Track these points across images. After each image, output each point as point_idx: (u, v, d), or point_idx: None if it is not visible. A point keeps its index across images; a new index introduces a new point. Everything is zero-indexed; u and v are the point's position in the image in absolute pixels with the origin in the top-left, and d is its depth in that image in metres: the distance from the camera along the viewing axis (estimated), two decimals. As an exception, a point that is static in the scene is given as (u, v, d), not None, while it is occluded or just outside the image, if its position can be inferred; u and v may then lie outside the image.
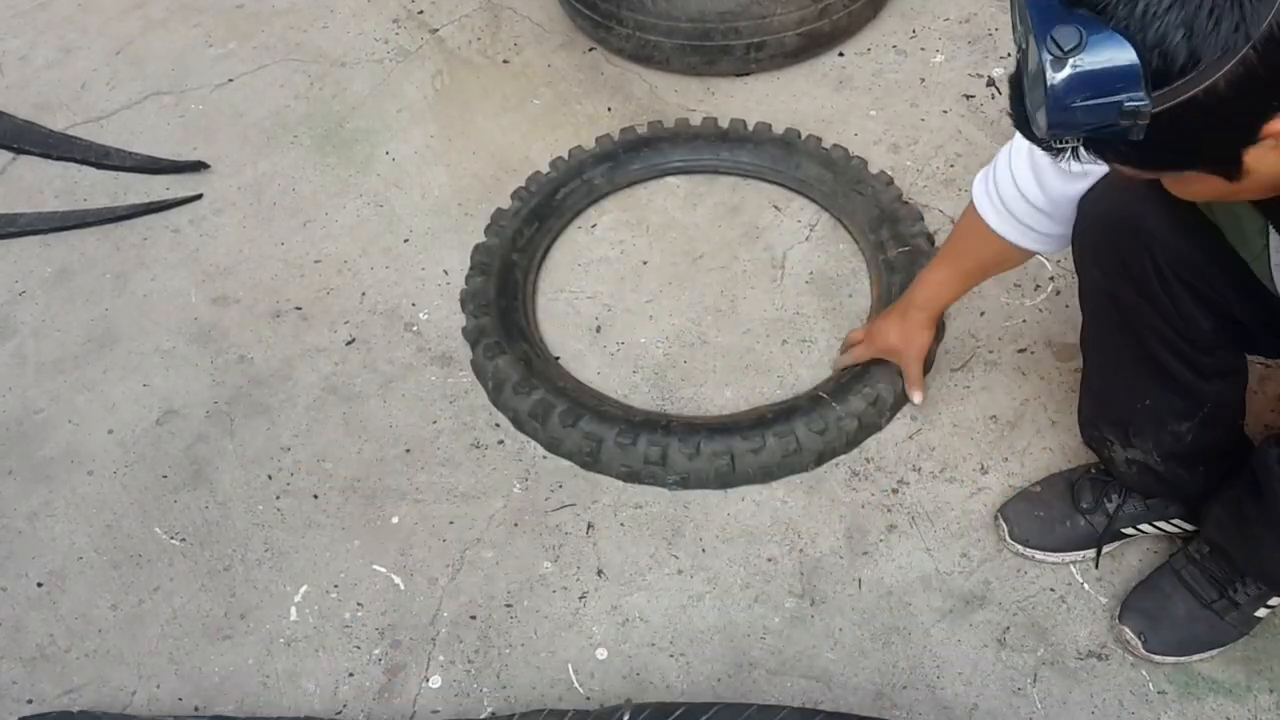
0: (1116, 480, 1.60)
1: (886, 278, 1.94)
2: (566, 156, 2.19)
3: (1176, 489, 1.55)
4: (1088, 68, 0.83)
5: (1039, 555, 1.65)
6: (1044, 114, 0.87)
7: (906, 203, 2.06)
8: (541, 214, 2.10)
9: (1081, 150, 0.92)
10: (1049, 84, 0.84)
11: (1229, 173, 0.93)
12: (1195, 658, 1.52)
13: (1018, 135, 1.04)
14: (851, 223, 2.07)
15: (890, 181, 2.10)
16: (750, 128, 2.21)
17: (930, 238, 2.01)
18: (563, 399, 1.77)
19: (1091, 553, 1.64)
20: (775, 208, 2.19)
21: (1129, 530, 1.62)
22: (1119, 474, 1.58)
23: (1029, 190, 1.42)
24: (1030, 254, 1.54)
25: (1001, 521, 1.68)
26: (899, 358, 1.77)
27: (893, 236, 1.98)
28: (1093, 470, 1.66)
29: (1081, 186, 1.36)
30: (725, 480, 1.73)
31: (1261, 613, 1.50)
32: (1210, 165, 0.93)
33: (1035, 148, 1.07)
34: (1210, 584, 1.51)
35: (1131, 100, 0.83)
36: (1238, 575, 1.49)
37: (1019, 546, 1.65)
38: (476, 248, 2.05)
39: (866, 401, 1.76)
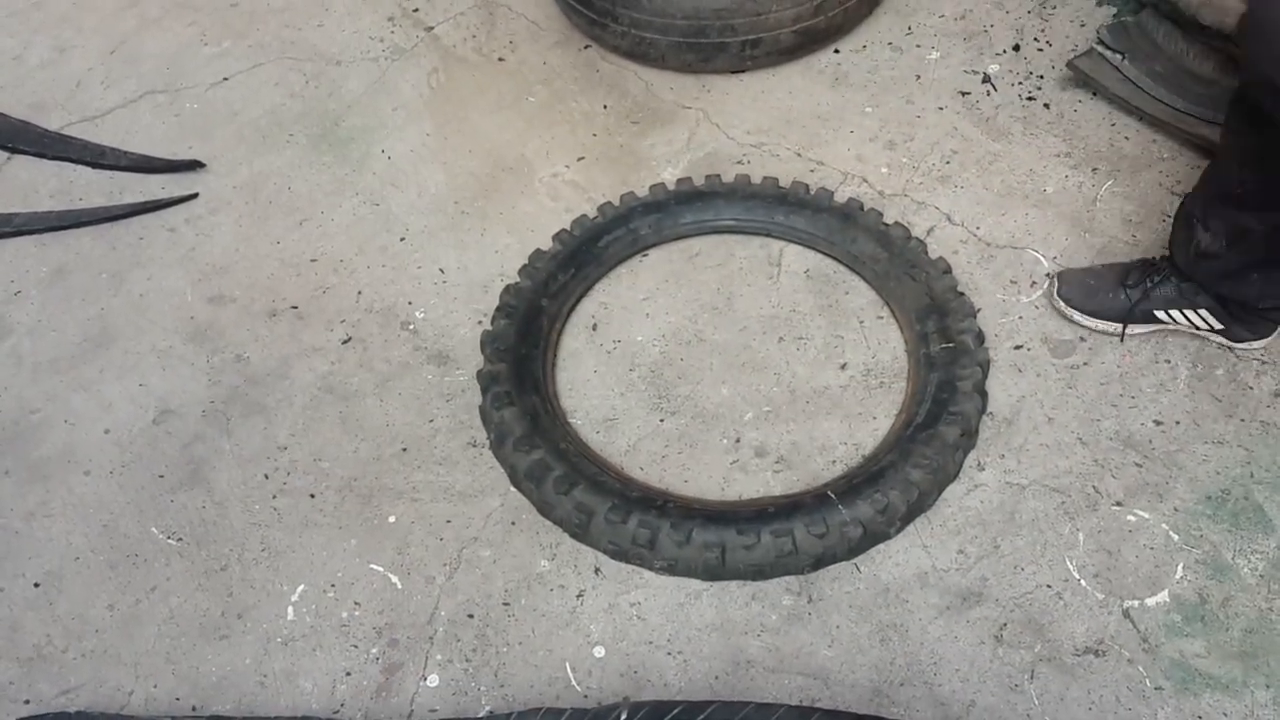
0: (1164, 266, 1.83)
1: (925, 373, 1.81)
2: (617, 202, 2.11)
3: (1223, 282, 1.78)
4: None
5: (1077, 316, 1.91)
6: None
7: (961, 294, 1.91)
8: (580, 260, 2.01)
9: None
10: None
11: None
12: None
13: None
14: (900, 308, 1.94)
15: (947, 270, 1.95)
16: (811, 191, 2.10)
17: (980, 335, 1.87)
18: (561, 463, 1.69)
19: (1119, 326, 1.89)
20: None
21: (1161, 315, 1.84)
22: (1183, 259, 1.80)
23: None
24: None
25: (1056, 282, 1.94)
26: None
27: (939, 330, 1.85)
28: (1154, 258, 1.85)
29: None
30: (714, 573, 1.63)
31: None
32: None
33: None
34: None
35: None
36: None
37: (1062, 304, 1.92)
38: (506, 289, 1.96)
39: (875, 508, 1.63)
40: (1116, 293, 1.90)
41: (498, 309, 1.94)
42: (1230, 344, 1.89)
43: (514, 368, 1.83)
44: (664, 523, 1.62)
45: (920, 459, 1.67)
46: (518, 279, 1.99)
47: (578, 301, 2.02)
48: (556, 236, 2.06)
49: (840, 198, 2.11)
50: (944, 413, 1.73)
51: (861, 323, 1.97)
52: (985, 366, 1.83)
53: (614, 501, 1.64)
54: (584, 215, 2.10)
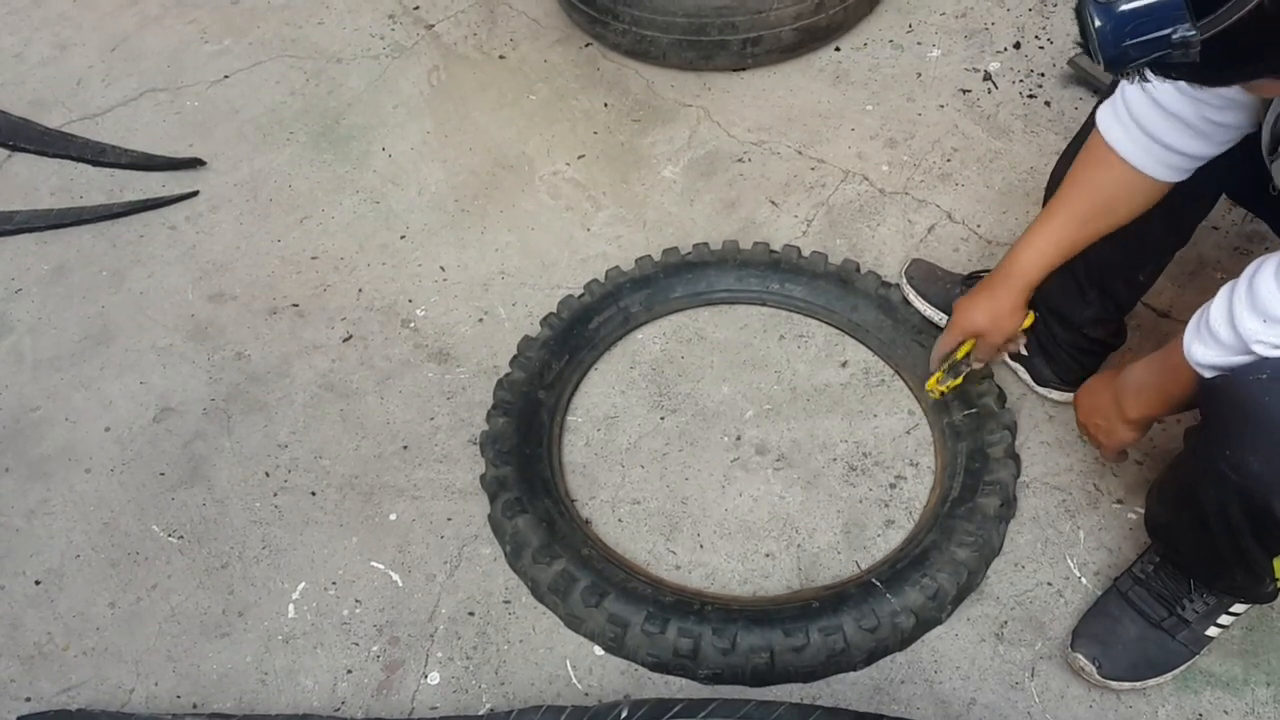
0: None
1: (952, 444, 1.74)
2: (602, 279, 2.00)
3: (1052, 289, 1.63)
4: (1131, 7, 0.88)
5: (911, 296, 1.92)
6: (1099, 53, 0.92)
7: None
8: (572, 345, 1.90)
9: (1149, 72, 0.94)
10: (1095, 27, 0.90)
11: None
12: (1150, 682, 1.49)
13: None
14: (912, 377, 1.86)
15: None
16: (805, 254, 2.01)
17: (1002, 396, 1.79)
18: (586, 572, 1.58)
19: (944, 318, 1.83)
20: (772, 203, 2.19)
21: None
22: None
23: (1164, 95, 1.31)
24: (1153, 195, 1.43)
25: (909, 261, 1.94)
26: (983, 342, 1.65)
27: (958, 396, 1.77)
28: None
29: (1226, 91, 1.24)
30: (763, 678, 1.53)
31: (1213, 631, 1.47)
32: (1278, 72, 0.94)
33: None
34: (1158, 602, 1.49)
35: (1179, 32, 0.87)
36: (1186, 590, 1.47)
37: (904, 280, 1.94)
38: (500, 383, 1.85)
39: (925, 595, 1.54)
40: (954, 288, 1.87)
41: (493, 406, 1.81)
42: (1030, 383, 1.83)
43: (520, 470, 1.71)
44: (705, 629, 1.51)
45: (964, 536, 1.59)
46: (509, 370, 1.86)
47: (575, 389, 1.90)
48: (545, 320, 1.94)
49: (835, 259, 2.02)
50: (980, 484, 1.65)
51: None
52: (1013, 429, 1.76)
53: (649, 610, 1.53)
54: (569, 295, 1.98)
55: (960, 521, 1.61)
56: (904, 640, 1.56)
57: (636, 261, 2.02)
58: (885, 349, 1.91)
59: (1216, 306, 1.19)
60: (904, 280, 1.94)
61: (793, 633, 1.50)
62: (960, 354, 1.69)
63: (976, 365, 1.72)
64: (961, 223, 2.12)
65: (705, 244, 2.04)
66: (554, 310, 1.96)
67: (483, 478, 1.75)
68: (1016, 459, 1.73)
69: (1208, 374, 1.22)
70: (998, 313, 1.60)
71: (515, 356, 1.88)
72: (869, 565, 1.66)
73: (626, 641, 1.55)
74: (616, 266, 2.02)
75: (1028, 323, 1.63)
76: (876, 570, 1.61)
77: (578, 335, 1.91)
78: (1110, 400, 1.45)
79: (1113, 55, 0.92)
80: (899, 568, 1.58)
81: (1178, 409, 1.36)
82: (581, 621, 1.59)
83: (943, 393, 1.74)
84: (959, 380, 1.73)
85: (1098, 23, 0.91)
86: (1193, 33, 0.87)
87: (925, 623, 1.56)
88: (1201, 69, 0.92)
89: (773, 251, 2.02)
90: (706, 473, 1.79)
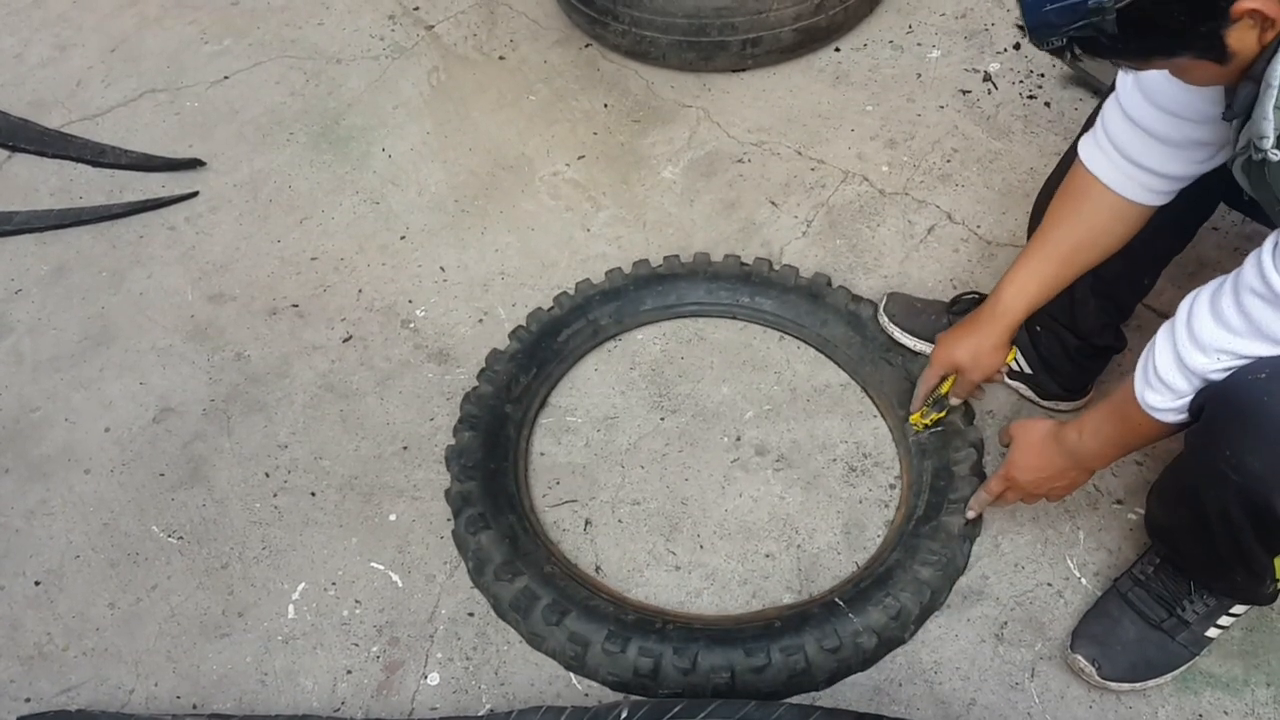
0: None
1: (918, 462, 1.72)
2: (572, 291, 1.98)
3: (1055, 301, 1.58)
4: None
5: (897, 333, 1.86)
6: (1025, 20, 1.04)
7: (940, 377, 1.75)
8: (541, 358, 1.88)
9: (1077, 49, 1.05)
10: None
11: (1217, 56, 1.02)
12: (1150, 683, 1.49)
13: (1117, 80, 1.29)
14: (879, 394, 1.85)
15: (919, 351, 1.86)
16: (775, 268, 2.00)
17: (971, 413, 1.77)
18: (548, 590, 1.56)
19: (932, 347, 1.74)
20: (772, 203, 2.19)
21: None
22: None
23: (1141, 114, 1.33)
24: (1135, 222, 1.44)
25: (885, 299, 1.89)
26: (962, 379, 1.64)
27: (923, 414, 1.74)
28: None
29: (1201, 98, 1.26)
30: (724, 698, 1.47)
31: (1213, 633, 1.47)
32: (1196, 51, 1.02)
33: (1140, 74, 1.28)
34: (1158, 603, 1.49)
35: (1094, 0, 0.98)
36: (1186, 591, 1.47)
37: (885, 319, 1.88)
38: (467, 396, 1.82)
39: (888, 615, 1.52)
40: (939, 316, 1.84)
41: (460, 420, 1.79)
42: (1037, 399, 1.82)
43: (485, 485, 1.69)
44: (665, 648, 1.50)
45: (928, 555, 1.58)
46: (476, 384, 1.84)
47: (542, 404, 1.88)
48: (513, 334, 1.91)
49: (805, 274, 2.00)
50: (944, 502, 1.64)
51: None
52: (980, 447, 1.73)
53: (610, 629, 1.52)
54: (539, 308, 1.95)
55: (924, 540, 1.60)
56: (866, 660, 1.54)
57: (607, 274, 2.00)
58: (853, 365, 1.89)
59: (1161, 356, 1.23)
60: (884, 318, 1.88)
61: (754, 652, 1.49)
62: (945, 389, 1.68)
63: (955, 401, 1.71)
64: (961, 223, 2.12)
65: (676, 256, 2.02)
66: (523, 324, 1.93)
67: (447, 492, 1.73)
68: (983, 478, 1.69)
69: (1170, 418, 1.25)
70: (979, 350, 1.58)
71: (483, 370, 1.86)
72: (831, 585, 1.64)
73: (587, 660, 1.53)
74: (587, 279, 2.00)
75: (1009, 358, 1.62)
76: (840, 590, 1.59)
77: (546, 348, 1.89)
78: (1063, 465, 1.45)
79: (1035, 23, 1.01)
80: (862, 587, 1.56)
81: (1142, 448, 1.41)
82: (542, 640, 1.57)
83: (926, 427, 1.72)
84: (943, 414, 1.72)
85: None
86: (1107, 2, 0.96)
87: (888, 642, 1.55)
88: (1121, 41, 1.00)
89: (744, 264, 2.00)
90: (706, 473, 1.79)
